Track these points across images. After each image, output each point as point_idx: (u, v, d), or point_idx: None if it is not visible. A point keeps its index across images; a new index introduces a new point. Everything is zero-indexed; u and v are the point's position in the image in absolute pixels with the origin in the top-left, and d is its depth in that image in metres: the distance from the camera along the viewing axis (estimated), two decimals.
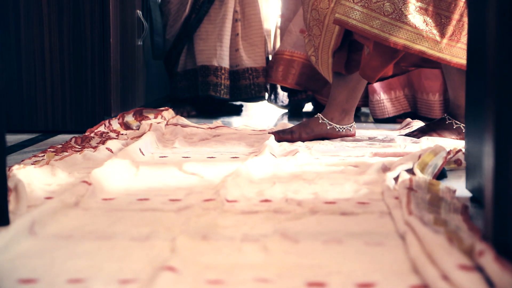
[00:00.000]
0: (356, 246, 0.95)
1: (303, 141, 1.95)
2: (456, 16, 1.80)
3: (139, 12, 2.58)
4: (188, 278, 0.82)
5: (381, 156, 1.70)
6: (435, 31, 1.79)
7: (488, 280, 0.78)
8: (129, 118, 2.29)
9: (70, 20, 2.15)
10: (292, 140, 1.95)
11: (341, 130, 1.99)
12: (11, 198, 1.18)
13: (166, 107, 2.47)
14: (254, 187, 1.35)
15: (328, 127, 1.98)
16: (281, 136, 1.94)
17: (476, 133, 1.12)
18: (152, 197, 1.27)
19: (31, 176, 1.36)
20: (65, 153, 1.63)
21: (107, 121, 2.15)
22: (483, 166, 1.03)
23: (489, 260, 0.80)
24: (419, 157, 1.48)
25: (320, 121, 1.98)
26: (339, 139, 2.00)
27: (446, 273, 0.79)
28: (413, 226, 0.97)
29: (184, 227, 1.05)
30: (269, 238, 0.97)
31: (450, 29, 1.80)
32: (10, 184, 1.23)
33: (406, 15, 1.77)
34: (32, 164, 1.52)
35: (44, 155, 1.63)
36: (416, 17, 1.78)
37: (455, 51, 1.81)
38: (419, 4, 1.79)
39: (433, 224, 1.00)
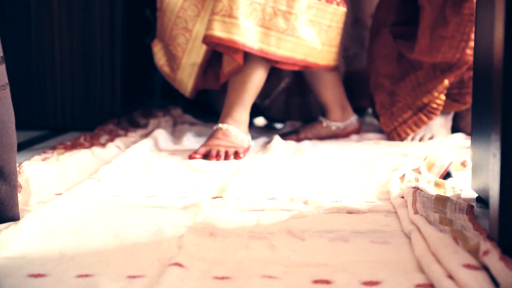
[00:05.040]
0: (362, 245, 0.96)
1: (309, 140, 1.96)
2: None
3: (148, 11, 2.59)
4: (195, 274, 0.83)
5: (388, 155, 1.70)
6: (317, 40, 1.80)
7: (493, 279, 0.78)
8: (138, 116, 2.30)
9: (80, 19, 2.16)
10: (297, 140, 1.95)
11: (347, 127, 2.00)
12: (21, 194, 1.19)
13: (175, 106, 2.48)
14: (261, 185, 1.36)
15: (333, 128, 1.99)
16: (287, 137, 1.94)
17: (482, 133, 1.13)
18: (160, 194, 1.28)
19: (41, 173, 1.37)
20: (75, 150, 1.64)
21: (116, 119, 2.16)
22: (489, 166, 1.03)
23: (494, 260, 0.80)
24: (426, 157, 1.48)
25: (324, 125, 1.98)
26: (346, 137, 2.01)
27: (451, 272, 0.79)
28: (419, 225, 0.98)
29: (192, 224, 1.06)
30: (275, 236, 0.98)
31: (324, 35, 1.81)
32: (20, 180, 1.25)
33: (298, 29, 1.76)
34: (42, 160, 1.53)
35: (53, 152, 1.65)
36: (304, 28, 1.77)
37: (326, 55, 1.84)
38: (306, 16, 1.78)
39: (438, 223, 1.00)
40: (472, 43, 1.80)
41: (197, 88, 1.93)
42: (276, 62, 1.78)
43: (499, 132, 0.86)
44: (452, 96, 1.92)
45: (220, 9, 1.72)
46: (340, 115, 1.98)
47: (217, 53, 1.89)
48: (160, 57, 1.93)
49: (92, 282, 0.81)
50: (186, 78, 1.90)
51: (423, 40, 1.87)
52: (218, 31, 1.71)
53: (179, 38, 1.85)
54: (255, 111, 2.34)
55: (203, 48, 1.86)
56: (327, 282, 0.82)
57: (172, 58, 1.89)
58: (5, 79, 1.01)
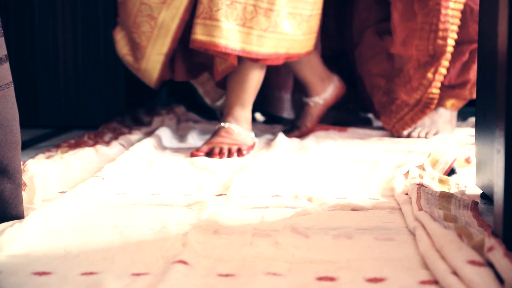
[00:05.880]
0: (366, 241, 0.96)
1: (312, 131, 1.96)
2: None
3: None
4: (199, 271, 0.83)
5: (392, 152, 1.70)
6: (298, 32, 1.77)
7: (498, 276, 0.78)
8: (142, 114, 2.31)
9: (84, 16, 2.17)
10: (301, 136, 1.95)
11: (332, 92, 1.99)
12: (26, 192, 1.20)
13: (178, 104, 2.48)
14: (265, 182, 1.36)
15: (322, 102, 1.98)
16: (290, 134, 1.94)
17: (486, 129, 1.12)
18: (164, 192, 1.29)
19: (45, 171, 1.37)
20: (79, 148, 1.65)
21: (120, 117, 2.17)
22: (493, 162, 1.03)
23: (498, 256, 0.80)
24: (430, 154, 1.48)
25: (312, 104, 1.98)
26: (349, 131, 2.01)
27: (456, 268, 0.79)
28: (423, 222, 0.97)
29: (196, 221, 1.06)
30: (279, 233, 0.98)
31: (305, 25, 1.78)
32: (25, 178, 1.25)
33: (279, 24, 1.72)
34: (46, 159, 1.53)
35: (58, 150, 1.65)
36: (286, 22, 1.73)
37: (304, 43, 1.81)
38: (286, 9, 1.74)
39: (443, 220, 1.00)
40: (441, 33, 1.82)
41: (163, 79, 1.86)
42: (258, 60, 1.75)
43: (503, 128, 0.85)
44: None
45: (201, 12, 1.68)
46: (322, 85, 1.97)
47: (185, 43, 1.83)
48: (122, 46, 1.85)
49: (96, 279, 0.81)
50: (151, 68, 1.82)
51: (395, 35, 1.89)
52: (200, 35, 1.68)
53: (143, 25, 1.77)
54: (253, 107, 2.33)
55: (169, 37, 1.78)
56: (331, 279, 0.82)
57: (136, 47, 1.82)
58: (9, 77, 1.01)
